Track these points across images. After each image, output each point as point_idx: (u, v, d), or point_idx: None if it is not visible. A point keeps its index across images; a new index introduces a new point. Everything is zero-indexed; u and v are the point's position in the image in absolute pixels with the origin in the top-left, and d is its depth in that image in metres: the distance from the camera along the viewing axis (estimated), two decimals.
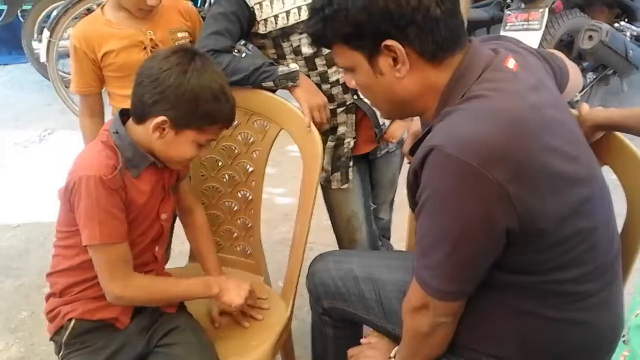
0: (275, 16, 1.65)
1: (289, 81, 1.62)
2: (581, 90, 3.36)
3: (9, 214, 2.99)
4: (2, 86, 4.61)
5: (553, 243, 1.04)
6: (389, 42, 1.04)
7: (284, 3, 1.65)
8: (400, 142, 1.89)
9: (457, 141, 0.97)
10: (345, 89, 1.75)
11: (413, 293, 1.13)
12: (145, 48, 1.71)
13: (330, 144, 1.78)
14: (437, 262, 1.05)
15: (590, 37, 3.06)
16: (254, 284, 1.59)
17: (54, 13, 3.62)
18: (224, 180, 1.77)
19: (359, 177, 1.87)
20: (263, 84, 1.62)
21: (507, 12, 3.08)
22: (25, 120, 4.00)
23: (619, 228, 1.23)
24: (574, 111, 1.31)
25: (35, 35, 4.12)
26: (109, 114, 1.77)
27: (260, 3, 1.64)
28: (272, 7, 1.64)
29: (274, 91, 1.66)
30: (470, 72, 1.07)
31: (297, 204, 1.65)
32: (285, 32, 1.67)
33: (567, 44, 3.30)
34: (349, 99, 1.76)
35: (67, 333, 1.41)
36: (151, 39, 1.71)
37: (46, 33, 3.53)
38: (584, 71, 3.37)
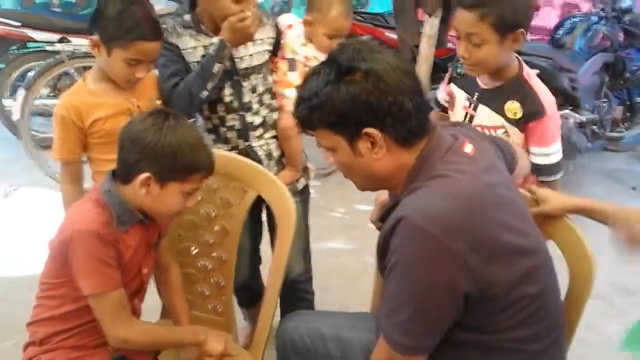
0: (187, 64, 1.86)
1: (224, 49, 1.79)
2: None
3: None
4: None
5: (505, 306, 1.19)
6: (369, 129, 1.20)
7: (196, 54, 1.85)
8: (297, 192, 2.06)
9: (423, 214, 1.13)
10: (238, 136, 1.96)
11: (379, 349, 1.26)
12: (131, 115, 1.79)
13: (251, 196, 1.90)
14: (403, 321, 1.18)
15: None
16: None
17: (31, 73, 3.71)
18: (201, 240, 1.86)
19: (252, 215, 1.97)
20: (214, 72, 1.79)
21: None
22: None
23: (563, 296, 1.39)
24: (526, 192, 1.49)
25: (8, 93, 4.19)
26: (88, 179, 1.88)
27: (185, 49, 1.85)
28: (188, 56, 1.85)
29: (228, 73, 1.86)
30: (435, 154, 1.24)
31: None
32: None
33: None
34: (241, 144, 1.97)
35: None
36: (138, 106, 1.81)
37: (22, 92, 3.60)
38: None
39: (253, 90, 1.94)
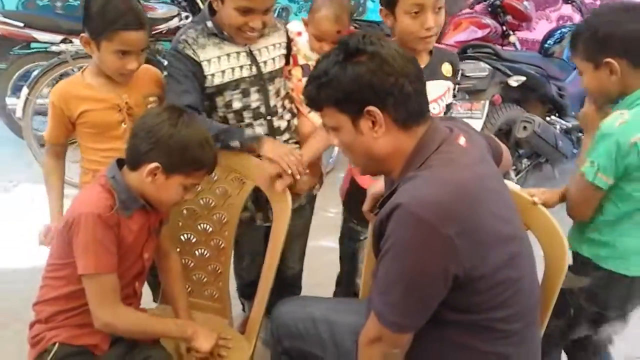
0: (213, 74, 1.86)
1: (254, 142, 1.84)
2: (517, 174, 3.74)
3: None
4: None
5: (487, 288, 1.28)
6: (370, 107, 1.29)
7: (220, 63, 1.86)
8: (309, 197, 2.16)
9: (418, 201, 1.22)
10: None
11: (370, 326, 1.35)
12: (120, 110, 1.86)
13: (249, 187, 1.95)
14: (394, 300, 1.27)
15: (525, 127, 3.46)
16: (220, 326, 1.77)
17: (35, 73, 3.78)
18: (199, 229, 1.96)
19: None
20: (230, 144, 1.83)
21: (453, 101, 3.46)
22: None
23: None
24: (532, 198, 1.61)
25: (10, 92, 4.26)
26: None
27: (209, 60, 1.85)
28: (212, 66, 1.85)
29: (240, 150, 1.86)
30: (431, 143, 1.33)
31: None
32: (220, 89, 1.89)
33: (505, 133, 3.68)
34: None
35: (50, 356, 1.54)
36: (126, 103, 1.85)
37: (25, 91, 3.68)
38: (519, 157, 3.76)
39: (277, 94, 1.99)
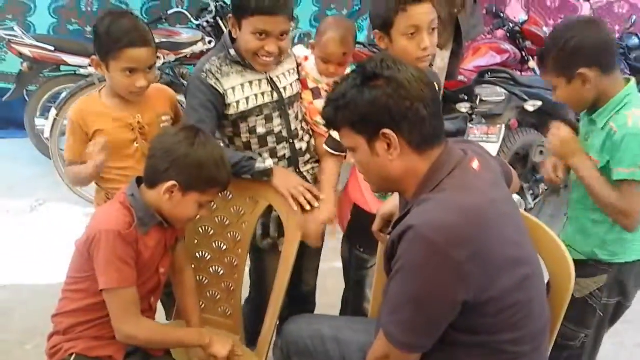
0: (237, 101, 1.92)
1: (264, 176, 1.91)
2: (534, 199, 3.74)
3: None
4: None
5: (497, 311, 1.30)
6: (386, 130, 1.32)
7: (243, 91, 1.93)
8: None
9: (430, 225, 1.24)
10: (289, 164, 2.04)
11: (378, 344, 1.38)
12: (133, 129, 1.93)
13: (275, 213, 2.01)
14: (404, 319, 1.30)
15: (541, 152, 3.47)
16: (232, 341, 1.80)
17: (63, 94, 3.92)
18: (214, 246, 2.01)
19: None
20: (242, 176, 1.90)
21: (469, 125, 3.49)
22: (18, 191, 4.20)
23: None
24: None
25: (38, 113, 4.42)
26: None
27: (233, 87, 1.91)
28: (236, 93, 1.91)
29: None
30: (445, 167, 1.35)
31: None
32: (245, 115, 1.95)
33: (522, 157, 3.70)
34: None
35: None
36: (139, 122, 1.93)
37: (53, 112, 3.81)
38: (536, 182, 3.74)
39: (296, 117, 2.06)
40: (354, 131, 1.38)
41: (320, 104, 2.10)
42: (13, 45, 4.28)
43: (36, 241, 3.50)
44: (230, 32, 1.94)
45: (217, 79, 1.90)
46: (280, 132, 2.01)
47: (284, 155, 2.03)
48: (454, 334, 1.32)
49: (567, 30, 1.76)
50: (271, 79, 1.98)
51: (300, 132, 2.08)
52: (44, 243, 3.42)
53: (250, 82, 1.95)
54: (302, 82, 2.12)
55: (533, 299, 1.36)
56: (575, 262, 1.56)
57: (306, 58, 2.17)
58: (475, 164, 1.38)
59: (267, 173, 1.91)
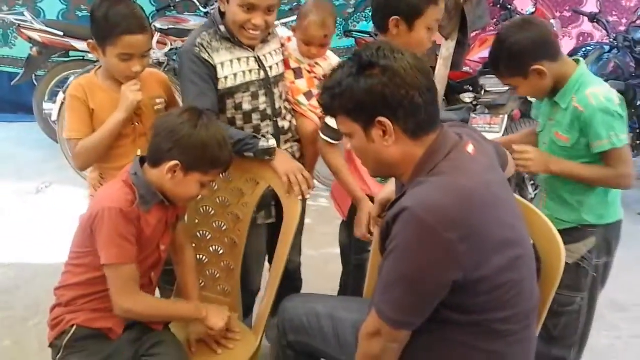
0: (226, 77, 1.96)
1: (266, 155, 1.95)
2: (535, 189, 3.75)
3: (2, 253, 3.20)
4: (6, 141, 4.91)
5: (489, 290, 1.33)
6: (381, 118, 1.35)
7: (232, 66, 1.97)
8: None
9: (424, 206, 1.27)
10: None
11: (370, 321, 1.41)
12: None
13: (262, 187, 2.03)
14: (395, 297, 1.33)
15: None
16: (230, 317, 1.85)
17: (71, 78, 3.96)
18: (214, 226, 2.05)
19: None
20: (245, 153, 1.94)
21: (472, 115, 3.51)
22: (25, 173, 4.27)
23: None
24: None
25: (47, 97, 4.47)
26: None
27: (222, 63, 1.95)
28: (225, 69, 1.95)
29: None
30: (440, 150, 1.38)
31: None
32: (232, 91, 1.99)
33: None
34: None
35: (68, 337, 1.65)
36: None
37: (61, 95, 3.85)
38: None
39: (281, 96, 2.11)
40: (350, 118, 1.40)
41: (301, 83, 2.18)
42: (23, 30, 4.34)
43: (41, 222, 3.57)
44: (219, 9, 1.97)
45: (208, 53, 1.94)
46: (265, 110, 2.05)
47: (267, 132, 2.07)
48: (446, 312, 1.35)
49: (506, 38, 1.90)
50: (258, 57, 2.02)
51: (284, 111, 2.13)
52: (49, 224, 3.48)
53: (239, 59, 1.99)
54: (285, 62, 2.17)
55: (524, 279, 1.39)
56: (563, 231, 1.65)
57: (289, 39, 2.22)
58: (470, 148, 1.41)
59: (270, 152, 1.95)
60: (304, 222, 2.39)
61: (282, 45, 2.17)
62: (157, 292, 2.12)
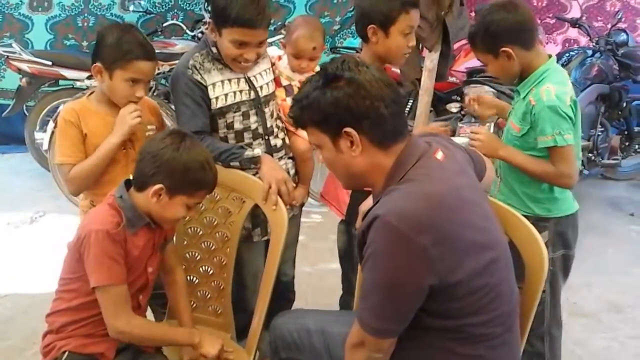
0: (217, 97, 2.01)
1: (252, 164, 2.00)
2: None
3: None
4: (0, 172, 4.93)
5: (465, 294, 1.34)
6: (348, 129, 1.38)
7: (223, 87, 2.01)
8: (302, 206, 2.28)
9: (395, 213, 1.30)
10: None
11: (353, 331, 1.43)
12: None
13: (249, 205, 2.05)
14: (373, 305, 1.35)
15: None
16: (223, 339, 1.85)
17: (61, 107, 4.00)
18: (203, 246, 2.06)
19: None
20: (231, 163, 1.99)
21: (459, 124, 3.53)
22: (19, 203, 4.27)
23: None
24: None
25: (38, 127, 4.49)
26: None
27: (213, 84, 2.00)
28: (216, 89, 2.00)
29: (241, 169, 2.02)
30: (409, 159, 1.41)
31: None
32: (223, 111, 2.03)
33: None
34: None
35: None
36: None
37: (51, 124, 3.89)
38: None
39: (272, 115, 2.14)
40: (319, 129, 1.44)
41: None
42: (12, 62, 4.38)
43: (36, 252, 3.56)
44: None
45: (200, 74, 1.98)
46: (257, 128, 2.09)
47: (253, 150, 2.08)
48: (426, 318, 1.36)
49: (487, 14, 1.98)
50: (248, 78, 2.07)
51: (275, 130, 2.16)
52: (44, 253, 3.47)
53: (230, 80, 2.03)
54: (276, 80, 2.22)
55: (500, 282, 1.41)
56: None
57: (279, 57, 2.27)
58: (440, 155, 1.44)
59: (255, 160, 2.00)
60: (298, 236, 2.41)
61: (273, 64, 2.21)
62: (151, 316, 2.14)
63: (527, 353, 2.05)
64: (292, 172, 2.22)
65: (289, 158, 2.23)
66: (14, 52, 4.35)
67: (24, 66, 4.35)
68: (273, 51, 2.29)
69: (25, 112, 4.75)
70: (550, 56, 2.01)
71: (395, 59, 2.15)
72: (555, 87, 1.91)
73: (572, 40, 5.45)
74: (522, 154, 1.99)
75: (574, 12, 5.28)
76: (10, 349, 2.69)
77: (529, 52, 1.96)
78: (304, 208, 2.40)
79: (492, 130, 3.51)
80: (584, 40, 5.07)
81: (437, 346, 1.40)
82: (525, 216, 1.74)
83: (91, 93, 2.04)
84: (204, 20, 4.60)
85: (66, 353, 1.66)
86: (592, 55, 4.17)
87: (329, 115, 1.40)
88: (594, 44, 4.23)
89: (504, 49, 1.94)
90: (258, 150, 2.02)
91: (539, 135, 1.92)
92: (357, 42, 5.43)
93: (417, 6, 2.08)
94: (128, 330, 1.65)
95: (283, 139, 2.20)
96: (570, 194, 2.06)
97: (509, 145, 2.04)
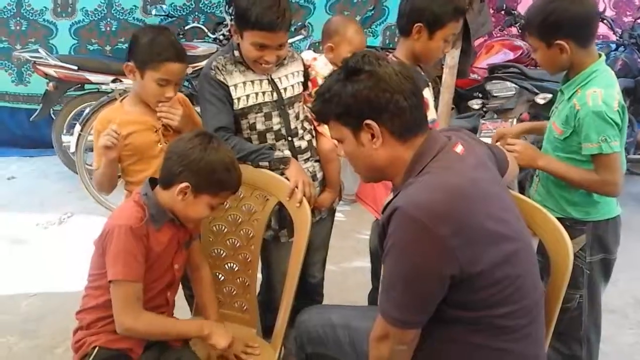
0: (239, 98, 2.04)
1: (281, 164, 2.02)
2: None
3: (28, 283, 3.27)
4: (29, 175, 5.02)
5: (486, 285, 1.35)
6: (368, 121, 1.41)
7: (245, 88, 2.04)
8: (331, 210, 2.30)
9: (414, 204, 1.32)
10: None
11: (377, 324, 1.44)
12: (156, 131, 2.05)
13: (276, 207, 2.08)
14: (395, 297, 1.36)
15: None
16: (248, 335, 1.90)
17: (87, 110, 4.08)
18: (228, 244, 2.09)
19: None
20: (260, 163, 2.02)
21: (482, 121, 3.54)
22: (47, 205, 4.35)
23: None
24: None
25: (65, 130, 4.58)
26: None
27: (235, 85, 2.03)
28: (238, 90, 2.03)
29: (269, 168, 2.04)
30: (428, 152, 1.43)
31: None
32: (245, 112, 2.06)
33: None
34: None
35: (90, 359, 1.69)
36: (162, 125, 2.04)
37: (78, 127, 3.96)
38: None
39: (297, 117, 2.15)
40: (340, 123, 1.47)
41: None
42: (39, 67, 4.46)
43: (64, 251, 3.63)
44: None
45: (223, 75, 2.02)
46: (280, 130, 2.11)
47: (282, 152, 2.11)
48: (449, 310, 1.37)
49: (551, 1, 1.88)
50: (272, 79, 2.08)
51: (300, 131, 2.16)
52: (72, 253, 3.54)
53: (252, 81, 2.06)
54: (313, 81, 2.24)
55: (523, 274, 1.41)
56: None
57: (315, 59, 2.28)
58: (459, 148, 1.45)
59: (285, 161, 2.03)
60: (328, 240, 2.43)
61: (309, 66, 2.23)
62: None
63: (564, 355, 2.07)
64: (319, 175, 2.22)
65: (316, 161, 2.23)
66: (41, 58, 4.43)
67: (51, 71, 4.43)
68: (307, 55, 2.33)
69: (52, 116, 4.84)
70: (600, 55, 1.92)
71: (429, 60, 2.16)
72: (602, 91, 1.82)
73: (601, 36, 5.38)
74: (562, 165, 1.93)
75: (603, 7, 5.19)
76: (41, 347, 2.75)
77: (583, 50, 1.87)
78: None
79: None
80: (612, 36, 5.01)
81: (462, 340, 1.41)
82: (561, 219, 1.73)
83: (124, 97, 2.10)
84: (225, 23, 4.64)
85: (96, 348, 1.70)
86: (616, 49, 4.12)
87: (349, 107, 1.42)
88: (617, 37, 4.17)
89: (558, 41, 1.85)
90: (288, 152, 2.04)
91: (583, 142, 1.85)
92: (377, 41, 5.43)
93: (465, 15, 2.08)
94: (134, 327, 1.68)
95: (309, 141, 2.19)
96: (609, 199, 1.98)
97: (550, 145, 1.99)
